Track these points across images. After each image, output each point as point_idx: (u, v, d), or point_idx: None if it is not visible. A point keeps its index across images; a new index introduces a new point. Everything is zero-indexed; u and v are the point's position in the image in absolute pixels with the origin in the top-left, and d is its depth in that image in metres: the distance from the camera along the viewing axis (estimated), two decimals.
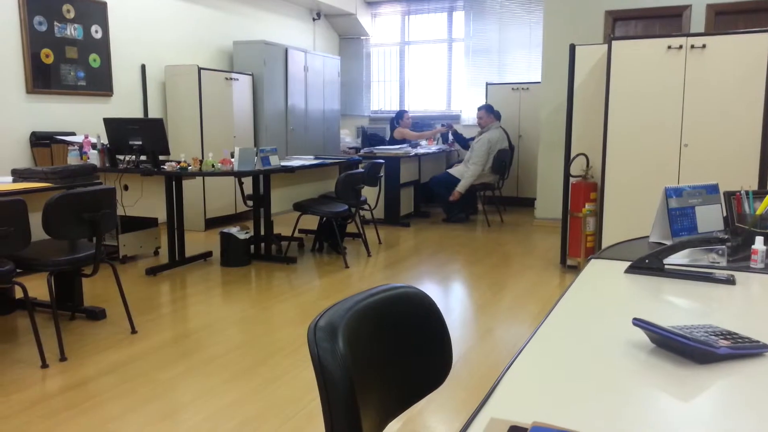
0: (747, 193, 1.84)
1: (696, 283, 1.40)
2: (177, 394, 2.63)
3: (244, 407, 2.51)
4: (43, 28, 5.05)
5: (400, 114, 7.82)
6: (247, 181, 5.18)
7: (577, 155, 4.70)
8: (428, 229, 6.56)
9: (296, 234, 5.80)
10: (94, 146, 4.63)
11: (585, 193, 4.61)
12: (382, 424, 1.16)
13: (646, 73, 4.16)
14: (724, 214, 1.93)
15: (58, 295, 3.65)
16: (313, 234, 5.79)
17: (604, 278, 1.47)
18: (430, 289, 4.32)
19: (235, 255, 4.87)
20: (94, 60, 5.51)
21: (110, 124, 4.50)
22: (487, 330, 3.47)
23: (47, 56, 5.09)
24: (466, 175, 6.64)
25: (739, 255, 1.64)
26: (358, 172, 5.18)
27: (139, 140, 4.44)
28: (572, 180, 4.70)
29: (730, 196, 1.90)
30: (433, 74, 9.12)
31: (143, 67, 6.06)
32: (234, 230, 4.86)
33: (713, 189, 1.92)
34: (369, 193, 5.90)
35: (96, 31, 5.51)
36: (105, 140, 4.68)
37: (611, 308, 1.25)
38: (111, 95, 5.72)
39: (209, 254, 5.12)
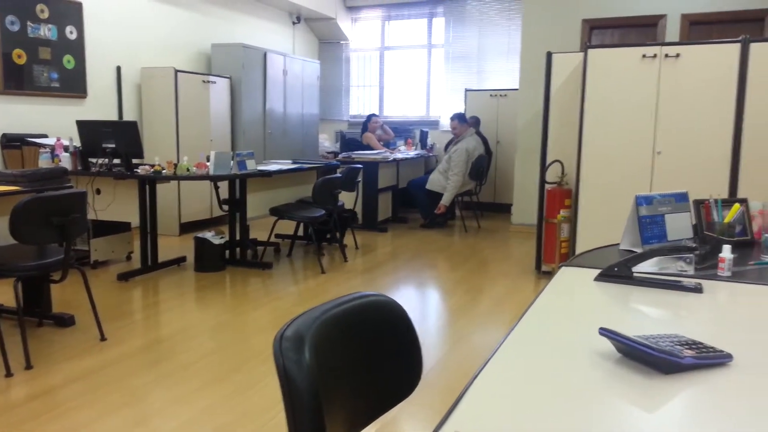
0: (716, 201, 1.87)
1: (664, 291, 1.41)
2: (147, 402, 2.58)
3: (217, 415, 2.48)
4: (16, 27, 4.95)
5: (368, 118, 7.81)
6: (224, 185, 5.12)
7: (553, 162, 4.73)
8: (406, 235, 6.56)
9: (273, 239, 5.75)
10: (66, 149, 4.55)
11: (560, 199, 4.65)
12: None
13: (621, 81, 4.21)
14: (694, 222, 1.95)
15: (25, 301, 3.56)
16: (290, 239, 5.75)
17: (573, 286, 1.47)
18: (407, 294, 4.31)
19: (209, 260, 4.81)
20: (68, 61, 5.41)
21: (83, 126, 4.43)
22: (462, 336, 3.47)
23: (19, 57, 4.99)
24: (449, 187, 6.66)
25: (708, 263, 1.66)
26: (335, 177, 5.16)
27: (112, 143, 4.37)
28: (547, 186, 4.73)
29: (699, 204, 1.93)
30: (412, 80, 9.14)
31: (119, 68, 5.98)
32: (209, 235, 4.81)
33: (683, 197, 1.94)
34: (347, 198, 5.88)
35: (71, 32, 5.42)
36: (78, 143, 4.59)
37: (579, 317, 1.25)
38: (85, 97, 5.63)
39: (183, 259, 5.05)
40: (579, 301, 1.37)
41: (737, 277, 1.58)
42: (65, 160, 4.46)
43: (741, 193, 4.03)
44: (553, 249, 4.75)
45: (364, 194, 6.61)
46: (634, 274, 1.46)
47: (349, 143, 8.12)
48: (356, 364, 1.16)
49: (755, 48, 3.89)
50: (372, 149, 7.45)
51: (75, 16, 5.45)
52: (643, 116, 4.19)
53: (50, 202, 2.93)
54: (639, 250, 1.82)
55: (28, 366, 2.90)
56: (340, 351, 1.13)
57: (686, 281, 1.43)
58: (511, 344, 1.09)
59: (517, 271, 4.97)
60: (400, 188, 7.31)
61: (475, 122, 7.62)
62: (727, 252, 1.57)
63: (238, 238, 5.07)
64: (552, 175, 4.75)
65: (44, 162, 4.40)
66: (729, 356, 0.98)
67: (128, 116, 6.10)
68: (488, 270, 5.04)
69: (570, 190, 4.65)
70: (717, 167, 4.08)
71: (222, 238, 4.87)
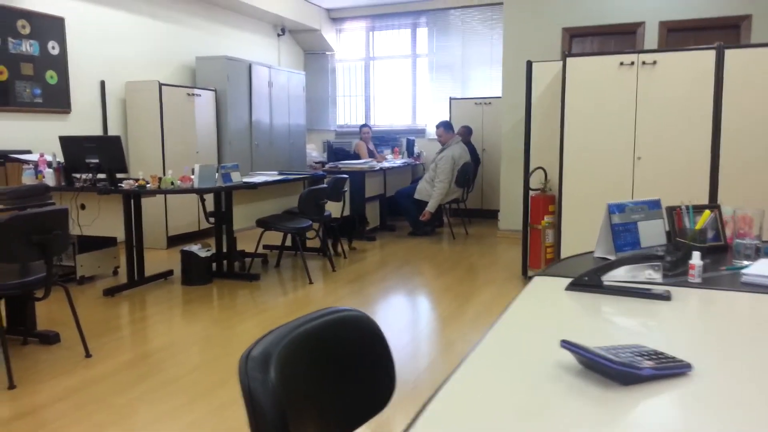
0: (687, 208, 1.90)
1: (633, 300, 1.43)
2: (133, 419, 2.57)
3: (203, 430, 2.47)
4: None
5: (360, 128, 7.91)
6: (210, 198, 5.12)
7: (535, 169, 4.78)
8: (394, 243, 6.57)
9: (261, 250, 5.76)
10: (49, 165, 4.53)
11: (543, 205, 4.69)
12: None
13: (599, 89, 4.26)
14: (667, 229, 1.98)
15: (10, 319, 3.55)
16: (278, 250, 5.75)
17: (544, 296, 1.49)
18: (395, 303, 4.32)
19: (196, 273, 4.80)
20: (51, 77, 5.41)
21: (66, 142, 4.42)
22: (449, 343, 3.49)
23: (1, 73, 4.98)
24: (434, 194, 6.68)
25: (679, 269, 1.69)
26: (321, 187, 5.18)
27: (96, 158, 4.37)
28: (531, 193, 4.77)
29: (671, 211, 1.96)
30: (398, 89, 9.19)
31: (102, 83, 5.98)
32: (195, 248, 4.80)
33: (655, 204, 1.97)
34: (334, 208, 5.90)
35: (53, 47, 5.42)
36: (61, 158, 4.58)
37: (547, 328, 1.27)
38: (69, 112, 5.62)
39: (170, 273, 5.04)
40: (548, 311, 1.39)
41: (707, 283, 1.61)
42: (49, 176, 4.45)
43: (722, 195, 4.08)
44: (538, 255, 4.78)
45: (351, 203, 6.63)
46: (605, 283, 1.49)
47: (336, 153, 8.15)
48: (325, 382, 1.17)
49: (730, 54, 3.96)
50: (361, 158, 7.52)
51: (57, 31, 5.45)
52: (623, 123, 4.24)
53: (30, 220, 2.92)
54: (613, 258, 1.85)
55: (12, 385, 2.89)
56: (308, 369, 1.14)
57: (655, 289, 1.46)
58: (476, 357, 1.10)
59: (503, 277, 5.00)
60: (387, 197, 7.34)
61: (467, 132, 7.67)
62: (696, 258, 1.60)
63: (225, 250, 5.07)
64: (535, 181, 4.79)
65: (28, 178, 4.39)
66: (688, 366, 1.00)
67: (113, 130, 6.10)
68: (476, 277, 5.06)
69: (553, 196, 4.69)
70: (697, 171, 4.13)
71: (208, 250, 4.86)
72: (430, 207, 6.68)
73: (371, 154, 7.83)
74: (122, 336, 3.63)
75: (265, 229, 5.05)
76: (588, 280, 1.48)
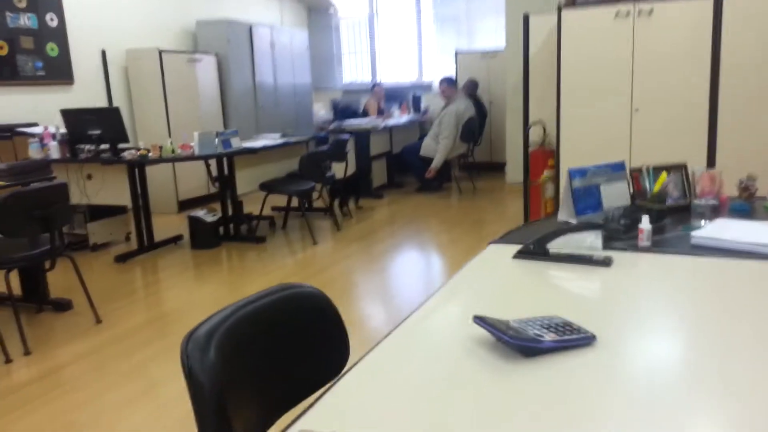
0: (648, 170, 1.91)
1: (575, 267, 1.48)
2: (150, 375, 2.73)
3: None
4: None
5: (372, 87, 7.86)
6: (214, 163, 5.21)
7: (533, 124, 4.74)
8: (401, 200, 6.63)
9: (270, 212, 5.87)
10: (53, 137, 4.65)
11: (543, 160, 4.68)
12: (268, 423, 1.23)
13: (595, 41, 4.18)
14: (632, 191, 2.00)
15: (24, 288, 3.73)
16: (284, 211, 5.86)
17: (491, 265, 1.55)
18: (399, 260, 4.40)
19: (204, 238, 4.94)
20: (51, 49, 5.47)
21: (67, 115, 4.51)
22: None
23: (1, 48, 5.06)
24: (439, 150, 6.67)
25: (633, 233, 1.72)
26: (321, 150, 5.22)
27: (97, 130, 4.46)
28: (530, 148, 4.76)
29: (633, 173, 1.97)
30: (403, 44, 9.06)
31: (104, 52, 6.02)
32: (201, 213, 4.92)
33: (619, 167, 1.98)
34: (339, 168, 5.94)
35: (51, 19, 5.45)
36: (65, 131, 4.69)
37: (483, 299, 1.33)
38: (72, 83, 5.70)
39: (180, 238, 5.19)
40: (490, 281, 1.44)
41: (657, 246, 1.64)
42: (53, 149, 4.57)
43: (720, 146, 4.03)
44: (539, 209, 4.80)
45: (357, 162, 6.67)
46: (550, 251, 1.53)
47: (343, 111, 8.14)
48: (270, 359, 1.25)
49: (728, 0, 3.83)
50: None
51: (54, 2, 5.47)
52: (620, 75, 4.16)
53: (30, 195, 3.04)
54: (574, 221, 1.89)
55: (27, 351, 3.07)
56: (251, 347, 1.21)
57: (597, 255, 1.50)
58: (402, 330, 1.17)
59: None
60: (394, 154, 7.35)
61: (473, 86, 7.58)
62: (645, 223, 1.63)
63: (230, 214, 5.19)
64: (534, 136, 4.77)
65: (34, 151, 4.52)
66: (592, 337, 1.05)
67: (117, 99, 6.17)
68: (481, 230, 5.12)
69: (552, 150, 4.67)
70: (695, 121, 4.06)
71: (214, 215, 4.98)
72: (435, 163, 6.69)
73: (381, 112, 7.80)
74: (133, 301, 3.79)
75: (268, 193, 5.14)
76: (534, 249, 1.53)
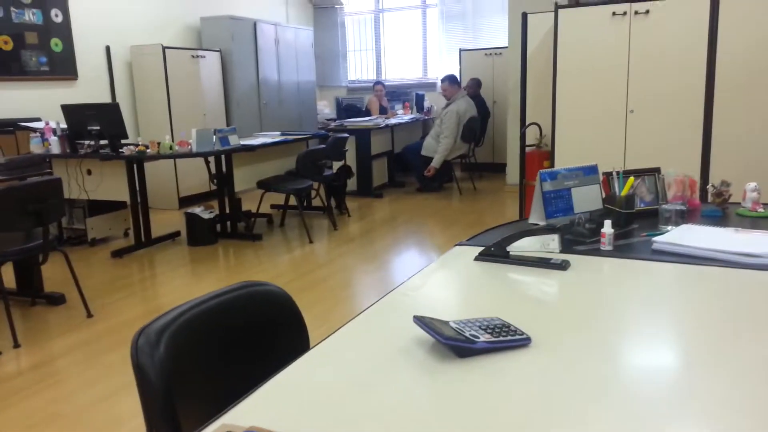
0: (617, 174, 1.92)
1: (532, 270, 1.49)
2: (123, 376, 2.77)
3: None
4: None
5: (374, 85, 7.87)
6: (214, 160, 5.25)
7: (530, 124, 4.74)
8: (401, 200, 6.64)
9: (268, 210, 5.91)
10: (54, 132, 4.71)
11: (539, 161, 4.68)
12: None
13: (592, 41, 4.17)
14: (604, 195, 2.00)
15: (18, 282, 3.79)
16: (282, 209, 5.89)
17: (452, 266, 1.56)
18: (393, 260, 4.42)
19: (201, 234, 4.98)
20: (56, 44, 5.54)
21: (68, 110, 4.57)
22: None
23: (6, 43, 5.13)
24: (439, 150, 6.68)
25: (599, 237, 1.73)
26: (319, 148, 5.24)
27: (97, 126, 4.52)
28: (527, 149, 4.76)
29: (607, 176, 1.98)
30: (409, 42, 9.07)
31: (108, 48, 6.09)
32: (198, 210, 4.97)
33: (592, 170, 1.99)
34: (337, 166, 5.96)
35: (56, 15, 5.52)
36: (65, 126, 4.75)
37: (438, 299, 1.34)
38: (76, 79, 5.77)
39: (177, 234, 5.24)
40: (449, 282, 1.46)
41: (618, 250, 1.65)
42: (54, 144, 4.64)
43: (714, 147, 4.01)
44: None
45: (357, 161, 6.69)
46: (511, 254, 1.55)
47: (347, 109, 8.17)
48: (225, 355, 1.27)
49: (725, 1, 3.81)
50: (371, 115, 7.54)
51: None
52: (616, 75, 4.15)
53: (25, 190, 3.09)
54: (544, 224, 1.90)
55: (16, 345, 3.13)
56: (206, 344, 1.24)
57: (554, 258, 1.51)
58: (348, 329, 1.19)
59: None
60: (396, 153, 7.36)
61: (476, 84, 7.57)
62: (607, 227, 1.63)
63: (227, 211, 5.23)
64: (531, 137, 4.77)
65: (35, 146, 4.59)
66: (527, 339, 1.07)
67: (120, 95, 6.24)
68: (478, 231, 5.12)
69: (548, 151, 4.67)
70: (690, 123, 4.04)
71: (211, 212, 5.02)
72: (435, 163, 6.70)
73: (383, 111, 7.82)
74: (126, 296, 3.84)
75: (265, 191, 5.17)
76: (494, 251, 1.54)
